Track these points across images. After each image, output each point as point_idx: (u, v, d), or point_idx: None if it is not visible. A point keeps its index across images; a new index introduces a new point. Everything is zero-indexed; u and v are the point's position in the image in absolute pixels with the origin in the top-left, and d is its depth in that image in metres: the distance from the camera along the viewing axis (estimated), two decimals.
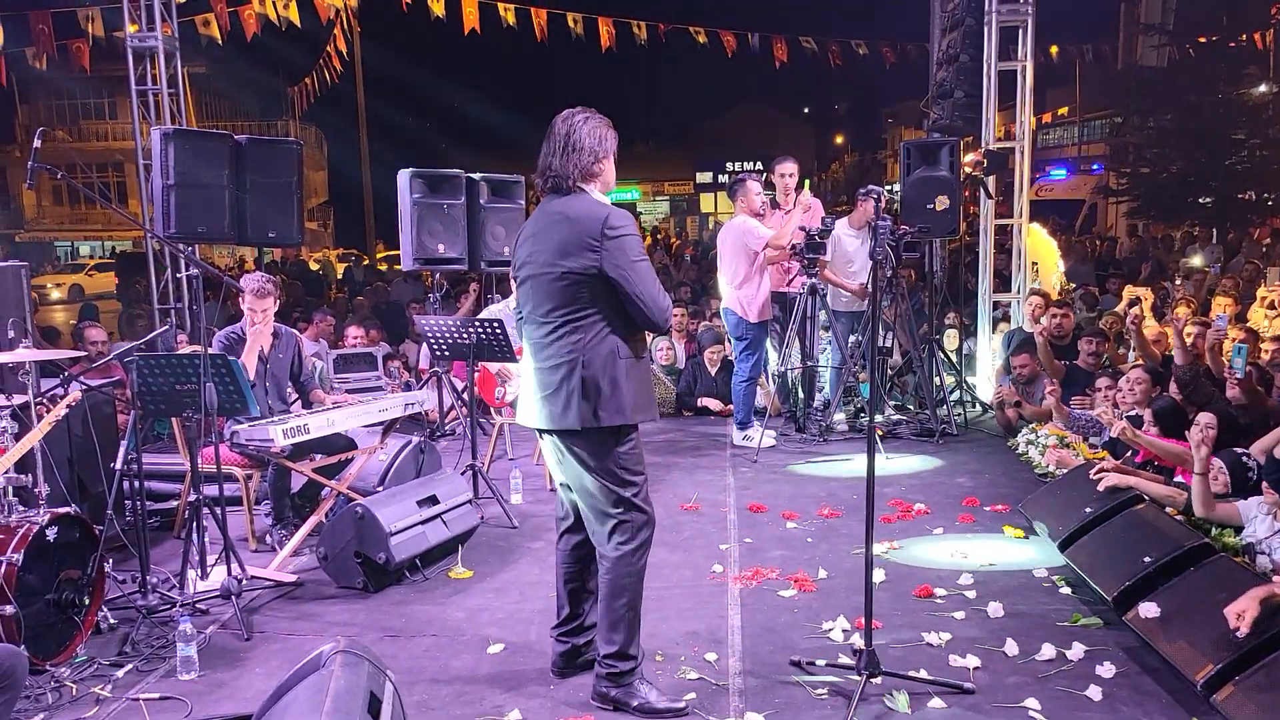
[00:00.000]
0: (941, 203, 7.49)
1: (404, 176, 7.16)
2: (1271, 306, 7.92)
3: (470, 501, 5.30)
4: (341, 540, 4.68)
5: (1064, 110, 34.43)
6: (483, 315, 6.74)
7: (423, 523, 4.85)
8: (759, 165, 44.61)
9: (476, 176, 7.49)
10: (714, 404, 8.33)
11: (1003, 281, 9.68)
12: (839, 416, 7.80)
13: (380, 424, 5.42)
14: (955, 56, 9.30)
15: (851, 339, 7.74)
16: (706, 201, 48.30)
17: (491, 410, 6.74)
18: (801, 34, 16.73)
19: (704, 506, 5.91)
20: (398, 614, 4.43)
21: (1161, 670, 3.63)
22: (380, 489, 5.51)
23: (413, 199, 7.09)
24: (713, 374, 8.43)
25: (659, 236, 28.35)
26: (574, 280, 3.30)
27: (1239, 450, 4.77)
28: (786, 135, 45.52)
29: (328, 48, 18.20)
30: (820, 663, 3.78)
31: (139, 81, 9.07)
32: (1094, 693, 3.51)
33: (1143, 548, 4.17)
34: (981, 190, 8.56)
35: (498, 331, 5.85)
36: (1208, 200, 18.03)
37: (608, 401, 3.31)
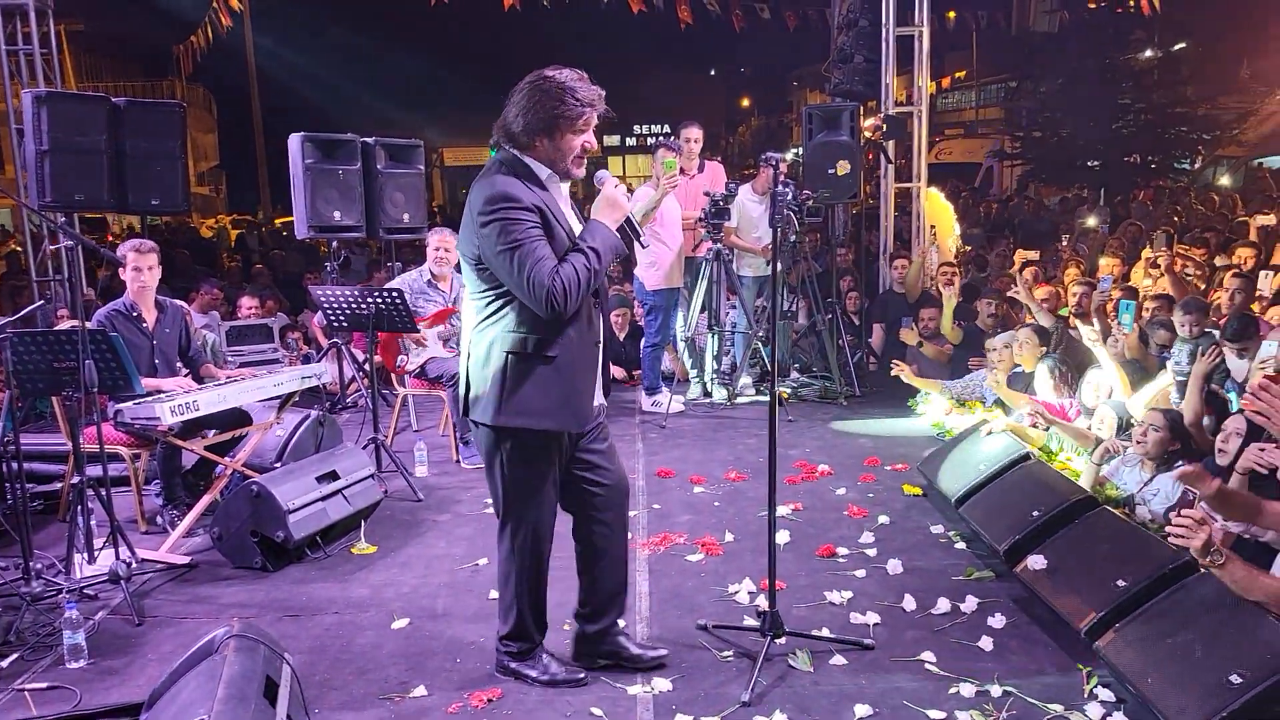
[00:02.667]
0: (843, 167, 7.58)
1: (295, 141, 6.91)
2: (1155, 266, 8.24)
3: (373, 476, 5.20)
4: (237, 519, 4.54)
5: (962, 74, 35.12)
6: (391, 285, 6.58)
7: (323, 499, 4.73)
8: (666, 128, 44.40)
9: (372, 141, 7.28)
10: (619, 372, 8.31)
11: (903, 244, 9.86)
12: (746, 380, 7.88)
13: (277, 398, 5.26)
14: (854, 21, 9.40)
15: (757, 303, 7.81)
16: (615, 164, 48.06)
17: (394, 380, 6.61)
18: None
19: None
20: (298, 593, 4.33)
21: (1049, 620, 3.78)
22: (278, 465, 5.36)
23: (305, 164, 6.86)
24: (620, 339, 8.41)
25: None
26: (469, 261, 3.14)
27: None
28: (693, 98, 45.49)
29: (215, 2, 17.38)
30: (726, 625, 3.84)
31: (9, 41, 8.51)
32: (986, 643, 3.64)
33: (1032, 502, 4.32)
34: (882, 155, 8.68)
35: (397, 301, 5.72)
36: (1096, 164, 18.68)
37: (481, 396, 3.16)
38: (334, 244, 7.57)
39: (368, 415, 6.04)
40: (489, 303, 3.13)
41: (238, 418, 5.21)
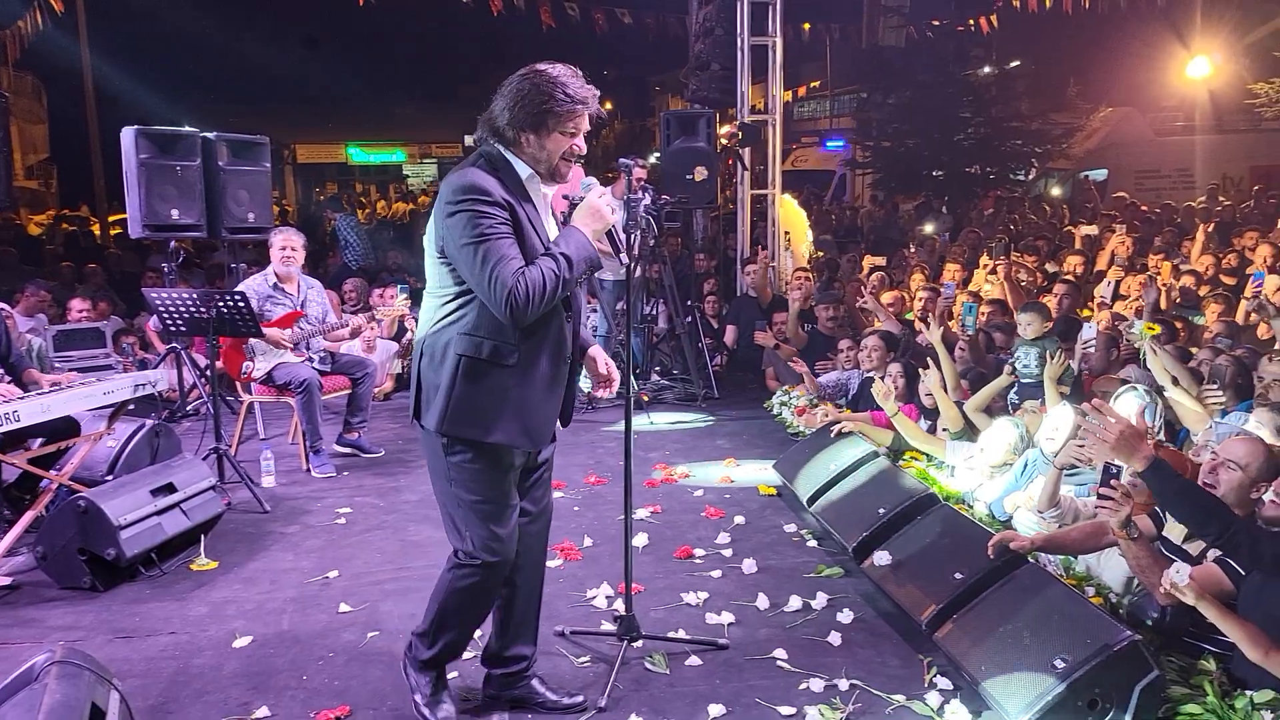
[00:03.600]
0: (700, 173, 7.70)
1: (128, 135, 6.54)
2: (993, 272, 8.70)
3: (214, 488, 4.96)
4: (63, 537, 4.25)
5: (816, 84, 36.19)
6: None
7: (158, 513, 4.48)
8: None
9: (213, 136, 6.95)
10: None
11: (760, 249, 10.07)
12: None
13: (108, 407, 4.95)
14: (711, 30, 9.56)
15: (618, 307, 7.84)
16: None
17: (239, 387, 6.33)
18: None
19: None
20: (131, 613, 4.08)
21: (894, 613, 3.93)
22: (109, 478, 5.05)
23: (140, 160, 6.49)
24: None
25: (425, 200, 27.39)
26: (435, 254, 2.89)
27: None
28: None
29: None
30: (585, 630, 3.83)
31: None
32: (834, 639, 3.75)
33: (878, 500, 4.49)
34: (738, 162, 8.86)
35: (240, 306, 5.48)
36: (939, 173, 19.57)
37: (430, 401, 2.90)
38: (171, 244, 7.18)
39: (209, 424, 5.77)
40: (448, 301, 2.89)
41: (65, 427, 4.87)
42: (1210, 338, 6.11)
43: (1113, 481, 3.34)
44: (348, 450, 6.45)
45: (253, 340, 5.94)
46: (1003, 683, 3.14)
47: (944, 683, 3.40)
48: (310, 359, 6.29)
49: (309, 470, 6.07)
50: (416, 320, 8.24)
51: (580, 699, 3.36)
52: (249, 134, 7.33)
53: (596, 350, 3.29)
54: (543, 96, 2.80)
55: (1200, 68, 19.67)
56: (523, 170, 2.90)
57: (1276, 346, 5.77)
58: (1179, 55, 19.93)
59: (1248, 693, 2.99)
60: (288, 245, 6.12)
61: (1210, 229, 10.16)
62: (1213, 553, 3.37)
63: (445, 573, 3.09)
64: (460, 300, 2.87)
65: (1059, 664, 3.02)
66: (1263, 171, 19.23)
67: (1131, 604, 3.61)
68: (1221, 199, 16.59)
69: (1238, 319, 6.69)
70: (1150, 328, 5.04)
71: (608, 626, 3.86)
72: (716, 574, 4.41)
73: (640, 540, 4.74)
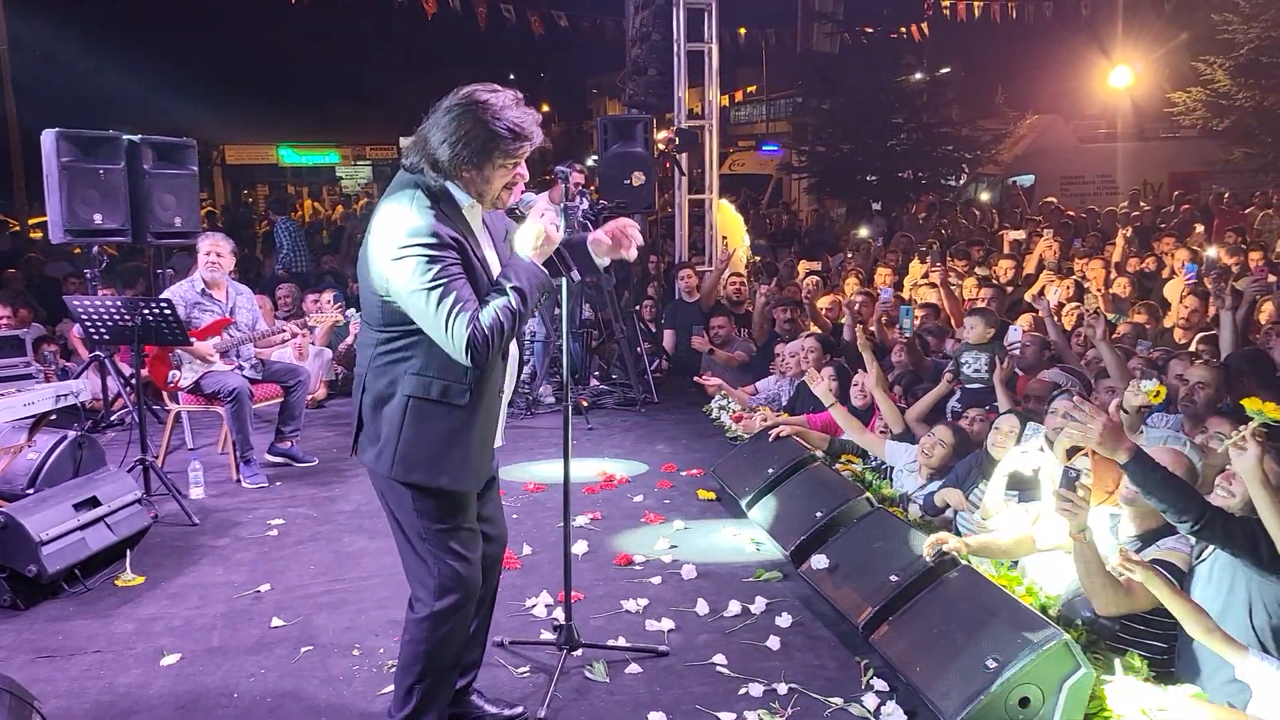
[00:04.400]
0: (638, 178, 7.71)
1: (48, 137, 6.33)
2: (925, 276, 8.86)
3: (140, 501, 4.82)
4: None
5: (752, 89, 36.52)
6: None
7: (82, 528, 4.34)
8: None
9: (137, 138, 6.77)
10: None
11: (697, 253, 10.13)
12: (545, 389, 7.86)
13: (29, 418, 4.79)
14: (647, 35, 9.61)
15: (556, 312, 7.80)
16: None
17: (165, 396, 6.16)
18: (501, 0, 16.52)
19: None
20: (53, 632, 3.95)
21: (831, 616, 3.97)
22: (29, 492, 4.87)
23: (61, 163, 6.29)
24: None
25: (361, 204, 26.95)
26: (372, 292, 2.75)
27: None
28: None
29: None
30: (524, 640, 3.80)
31: None
32: (773, 643, 3.77)
33: (815, 503, 4.54)
34: (675, 166, 8.90)
35: (167, 313, 5.35)
36: (873, 178, 19.90)
37: (385, 446, 2.77)
38: (94, 249, 6.96)
39: (135, 435, 5.61)
40: (393, 339, 2.75)
41: None
42: (1124, 339, 6.28)
43: (1078, 483, 3.43)
44: (280, 460, 6.32)
45: (179, 348, 5.79)
46: (937, 683, 3.20)
47: (880, 684, 3.44)
48: (240, 367, 6.15)
49: (239, 481, 5.93)
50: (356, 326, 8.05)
51: (520, 710, 3.33)
52: (175, 136, 7.15)
53: (596, 234, 3.06)
54: (488, 135, 2.66)
55: (1122, 77, 20.29)
56: (463, 200, 2.78)
57: (1192, 348, 5.97)
58: (1102, 64, 20.55)
59: (1173, 689, 3.08)
60: (214, 250, 5.99)
61: (1130, 233, 10.47)
62: (1149, 555, 3.49)
63: (415, 629, 2.91)
64: (406, 339, 2.74)
65: (991, 663, 3.08)
66: (1181, 178, 19.92)
67: (1065, 605, 3.69)
68: (1142, 204, 17.11)
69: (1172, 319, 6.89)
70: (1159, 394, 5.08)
71: (547, 636, 3.84)
72: (656, 580, 4.41)
73: (580, 548, 4.72)
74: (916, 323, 6.81)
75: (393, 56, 32.16)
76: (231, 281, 6.22)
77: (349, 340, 8.22)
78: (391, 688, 3.45)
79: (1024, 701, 3.03)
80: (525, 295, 2.72)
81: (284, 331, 6.22)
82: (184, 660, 3.70)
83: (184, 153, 7.06)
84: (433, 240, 2.63)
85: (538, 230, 2.80)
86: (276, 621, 4.04)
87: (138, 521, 4.72)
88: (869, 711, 3.29)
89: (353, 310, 8.52)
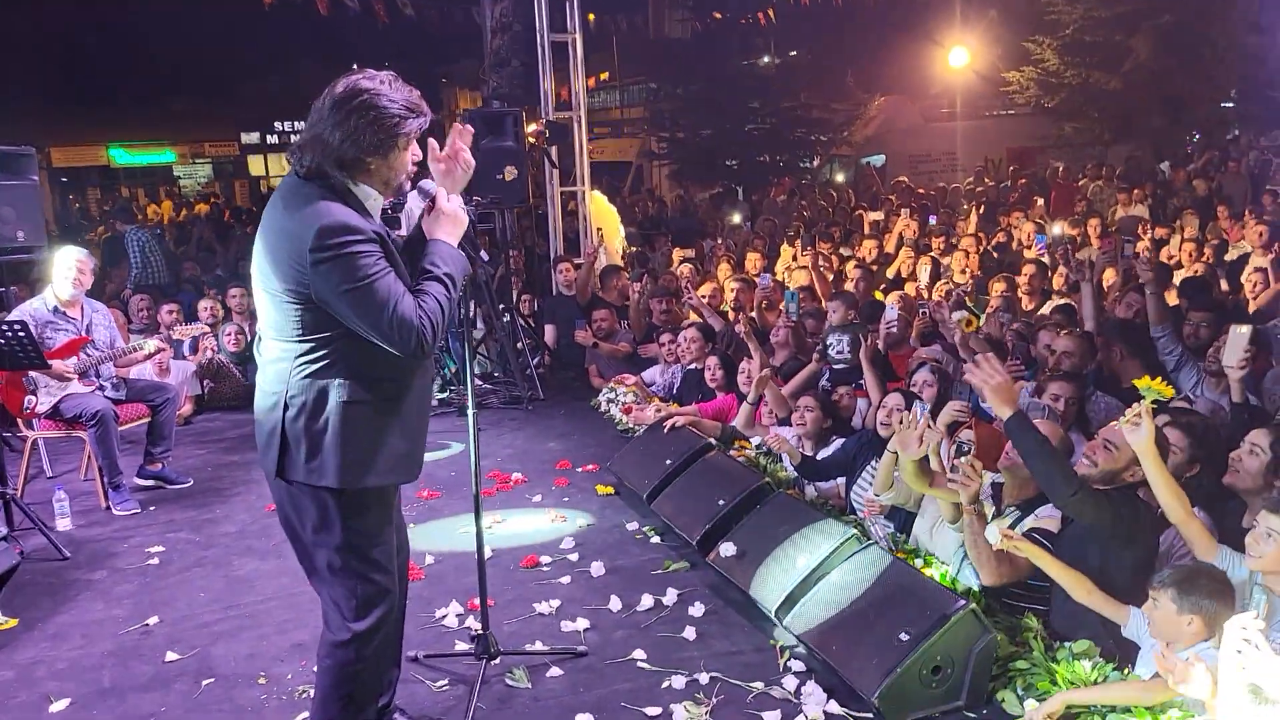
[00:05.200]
0: (510, 173, 7.62)
1: None
2: (794, 259, 9.10)
3: (4, 537, 4.50)
4: None
5: (605, 75, 36.59)
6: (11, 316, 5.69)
7: None
8: None
9: None
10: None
11: (569, 245, 10.11)
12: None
13: None
14: (509, 25, 9.49)
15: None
16: (255, 164, 44.95)
17: (20, 424, 5.75)
18: None
19: None
20: None
21: (743, 602, 4.05)
22: None
23: None
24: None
25: (209, 204, 25.63)
26: (287, 302, 2.63)
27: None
28: None
29: None
30: (438, 654, 3.74)
31: None
32: (689, 633, 3.83)
33: (716, 492, 4.61)
34: (546, 159, 8.84)
35: (20, 335, 4.99)
36: (734, 163, 20.29)
37: (311, 455, 2.67)
38: None
39: None
40: (313, 347, 2.66)
41: None
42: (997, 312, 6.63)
43: (967, 457, 3.60)
44: (151, 483, 5.99)
45: (33, 371, 5.41)
46: (853, 660, 3.32)
47: (798, 665, 3.54)
48: (101, 387, 5.81)
49: (109, 508, 5.60)
50: (228, 336, 7.65)
51: None
52: (8, 143, 6.64)
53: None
54: (389, 119, 2.61)
55: (959, 57, 21.26)
56: (366, 195, 2.72)
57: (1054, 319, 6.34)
58: (941, 45, 21.47)
59: (1067, 644, 3.28)
60: (75, 266, 5.62)
61: (981, 211, 11.02)
62: (1027, 524, 3.70)
63: (339, 653, 2.82)
64: (329, 345, 2.66)
65: (904, 636, 3.22)
66: (1017, 152, 21.06)
67: (958, 573, 3.88)
68: (986, 179, 18.02)
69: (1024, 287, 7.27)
70: (970, 322, 5.39)
71: (462, 646, 3.78)
72: (566, 580, 4.40)
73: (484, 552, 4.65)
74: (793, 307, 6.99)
75: (231, 49, 30.72)
76: (86, 298, 5.85)
77: (209, 352, 7.86)
78: (304, 715, 3.37)
79: (936, 670, 3.18)
80: (455, 281, 2.72)
81: (143, 349, 5.88)
82: (75, 705, 3.49)
83: (22, 161, 6.55)
84: (359, 236, 2.58)
85: (451, 212, 2.80)
86: (171, 655, 3.84)
87: (4, 560, 4.38)
88: (789, 693, 3.37)
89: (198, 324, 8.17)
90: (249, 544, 5.05)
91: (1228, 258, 8.77)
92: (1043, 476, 3.46)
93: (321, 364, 2.67)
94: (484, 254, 3.14)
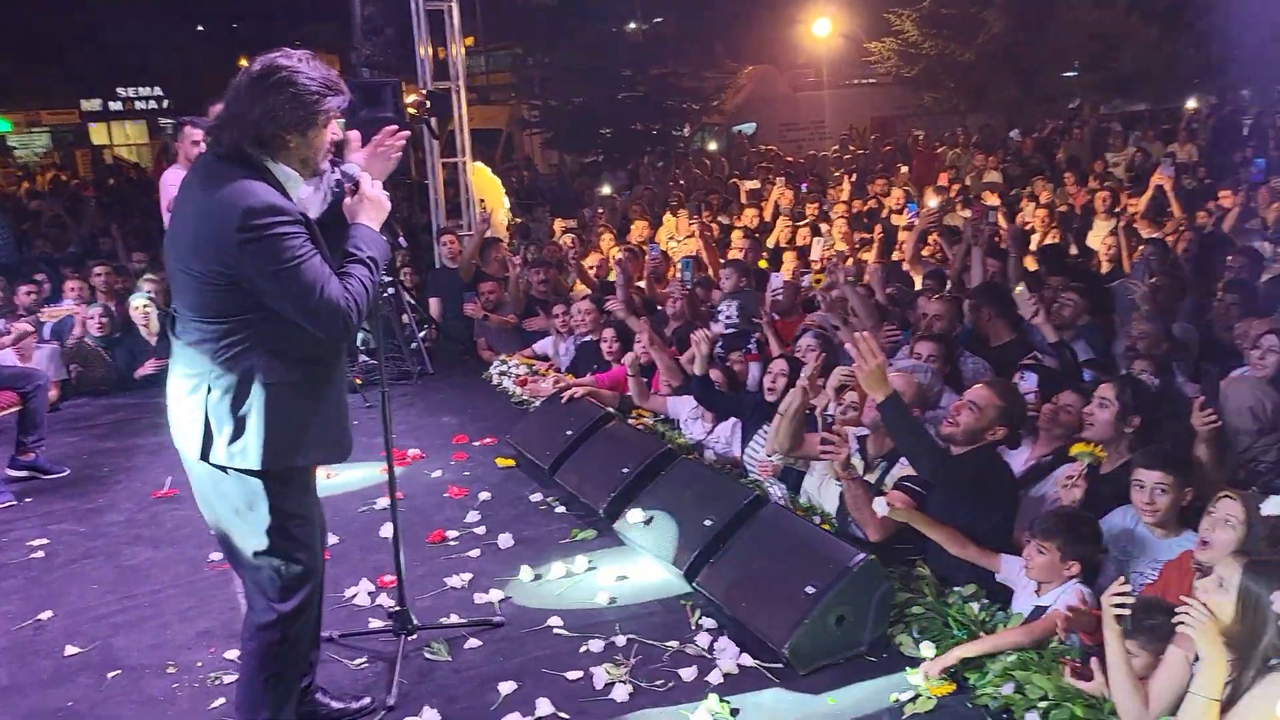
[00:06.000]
0: None
1: None
2: (677, 228, 9.26)
3: None
4: None
5: (470, 41, 35.87)
6: None
7: None
8: (158, 89, 40.07)
9: None
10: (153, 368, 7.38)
11: (451, 217, 9.97)
12: None
13: None
14: None
15: None
16: (98, 133, 42.36)
17: None
18: None
19: (183, 490, 5.34)
20: None
21: (652, 565, 4.18)
22: None
23: None
24: (153, 344, 7.53)
25: (48, 177, 23.99)
26: (208, 283, 2.61)
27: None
28: (182, 56, 41.34)
29: None
30: (353, 632, 3.75)
31: None
32: (602, 598, 3.95)
33: (620, 460, 4.73)
34: (426, 130, 8.70)
35: None
36: (608, 131, 20.28)
37: (235, 437, 2.67)
38: None
39: None
40: (235, 328, 2.64)
41: None
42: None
43: (834, 428, 3.81)
44: (24, 474, 5.71)
45: None
46: (762, 615, 3.50)
47: (709, 623, 3.70)
48: None
49: None
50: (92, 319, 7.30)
51: (367, 700, 3.32)
52: None
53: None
54: (309, 96, 2.62)
55: (823, 27, 21.79)
56: (285, 174, 2.70)
57: (919, 284, 6.68)
58: (806, 16, 21.95)
59: (956, 589, 3.55)
60: None
61: (854, 179, 11.41)
62: (895, 474, 3.97)
63: (263, 635, 2.82)
64: (250, 327, 2.65)
65: (809, 590, 3.41)
66: (880, 121, 21.78)
67: (846, 528, 4.11)
68: (851, 148, 18.59)
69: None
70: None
71: (377, 624, 3.80)
72: (475, 553, 4.45)
73: (388, 530, 4.64)
74: (674, 275, 7.12)
75: (68, 11, 28.77)
76: None
77: (76, 333, 7.49)
78: (221, 700, 3.35)
79: (840, 619, 3.39)
80: (378, 264, 2.75)
81: (16, 331, 5.60)
82: None
83: None
84: (285, 218, 2.58)
85: (374, 197, 2.82)
86: (71, 650, 3.74)
87: None
88: (703, 649, 3.53)
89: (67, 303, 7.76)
90: (138, 532, 4.91)
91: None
92: (910, 454, 3.74)
93: (244, 345, 2.66)
94: (402, 240, 3.14)
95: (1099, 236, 8.15)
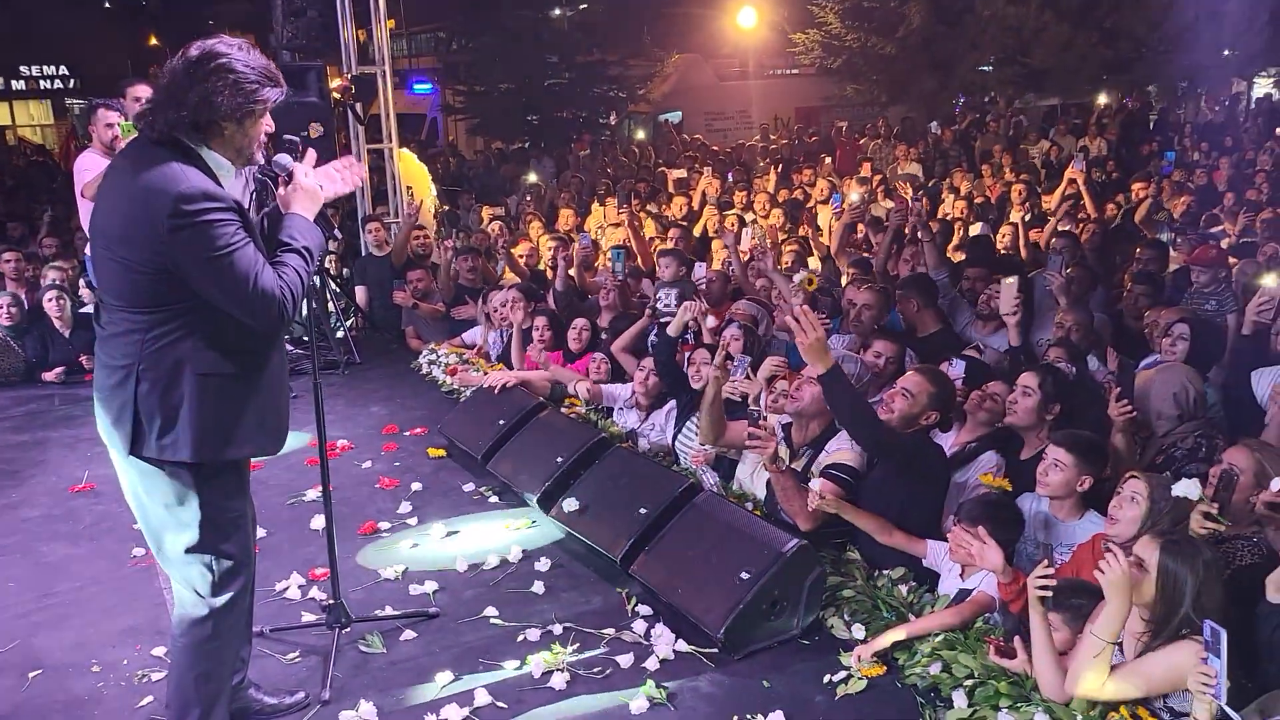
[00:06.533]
0: (315, 130, 7.36)
1: None
2: (605, 217, 9.26)
3: None
4: None
5: (391, 23, 35.19)
6: None
7: None
8: (64, 69, 38.44)
9: None
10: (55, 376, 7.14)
11: (377, 204, 9.83)
12: None
13: None
14: None
15: None
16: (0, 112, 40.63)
17: None
18: None
19: (101, 484, 5.21)
20: None
21: (587, 554, 4.21)
22: None
23: None
24: (66, 335, 7.27)
25: None
26: (137, 271, 2.55)
27: None
28: (88, 33, 39.77)
29: None
30: (286, 626, 3.70)
31: None
32: (538, 587, 3.97)
33: (554, 449, 4.73)
34: (351, 115, 8.56)
35: None
36: (534, 118, 20.13)
37: (165, 429, 2.61)
38: None
39: None
40: (165, 317, 2.59)
41: None
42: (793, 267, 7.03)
43: (760, 422, 3.88)
44: None
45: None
46: (698, 601, 3.55)
47: (645, 610, 3.74)
48: None
49: None
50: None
51: (302, 695, 3.29)
52: None
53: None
54: (247, 83, 2.59)
55: (748, 18, 21.94)
56: (218, 163, 2.66)
57: (846, 275, 6.82)
58: (732, 6, 22.07)
59: (885, 572, 3.65)
60: None
61: (779, 169, 11.54)
62: (822, 461, 4.07)
63: (195, 630, 2.79)
64: (182, 316, 2.61)
65: (744, 575, 3.47)
66: (805, 112, 22.07)
67: (776, 515, 4.19)
68: (773, 137, 18.79)
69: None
70: (812, 281, 5.74)
71: (309, 617, 3.76)
72: (408, 544, 4.42)
73: (319, 522, 4.58)
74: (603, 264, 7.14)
75: None
76: None
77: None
78: (150, 699, 3.29)
79: (774, 604, 3.46)
80: (312, 254, 2.74)
81: None
82: None
83: None
84: (219, 204, 2.54)
85: (309, 188, 2.81)
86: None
87: None
88: (640, 636, 3.57)
89: None
90: (55, 529, 4.76)
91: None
92: (851, 426, 3.83)
93: (175, 335, 2.62)
94: (336, 231, 3.12)
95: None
